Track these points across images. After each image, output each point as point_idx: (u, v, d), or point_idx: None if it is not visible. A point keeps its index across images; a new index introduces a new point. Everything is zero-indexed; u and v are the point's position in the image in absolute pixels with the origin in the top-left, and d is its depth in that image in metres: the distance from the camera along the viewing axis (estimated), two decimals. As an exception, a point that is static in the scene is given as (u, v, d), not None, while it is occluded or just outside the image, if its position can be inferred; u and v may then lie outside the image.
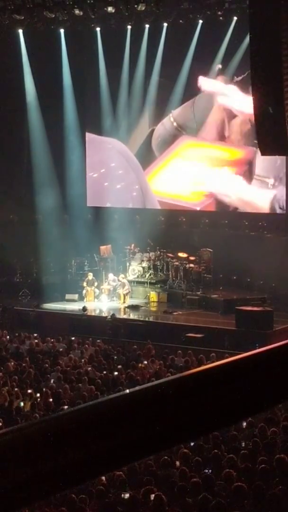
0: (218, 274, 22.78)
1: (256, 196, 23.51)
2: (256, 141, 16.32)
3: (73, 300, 22.38)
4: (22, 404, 13.12)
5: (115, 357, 16.40)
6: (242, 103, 22.40)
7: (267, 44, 14.30)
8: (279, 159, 22.32)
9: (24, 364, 15.65)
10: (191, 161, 24.75)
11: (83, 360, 16.09)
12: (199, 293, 21.88)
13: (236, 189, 23.73)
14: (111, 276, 22.82)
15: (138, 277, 23.32)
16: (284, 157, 21.12)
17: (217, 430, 8.46)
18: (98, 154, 26.57)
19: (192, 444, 9.89)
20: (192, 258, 22.85)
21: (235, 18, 22.54)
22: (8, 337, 18.52)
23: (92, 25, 24.45)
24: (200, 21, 23.29)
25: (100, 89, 25.97)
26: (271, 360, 1.28)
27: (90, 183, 26.87)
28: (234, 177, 23.85)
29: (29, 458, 1.13)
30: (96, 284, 22.64)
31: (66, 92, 26.07)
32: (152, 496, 8.05)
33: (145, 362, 15.72)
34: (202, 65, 23.98)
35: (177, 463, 9.48)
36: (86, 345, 17.51)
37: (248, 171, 23.86)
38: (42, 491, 1.16)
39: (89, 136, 26.62)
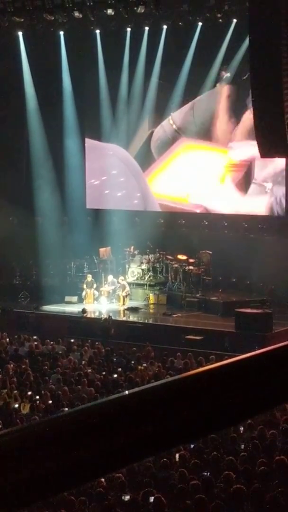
0: (218, 276, 22.77)
1: (252, 204, 23.61)
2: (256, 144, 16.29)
3: (72, 302, 22.36)
4: (17, 405, 13.12)
5: (115, 359, 16.40)
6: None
7: (266, 46, 14.34)
8: (278, 163, 22.29)
9: (23, 366, 15.65)
10: (190, 163, 24.74)
11: (83, 362, 16.09)
12: (198, 295, 21.86)
13: (231, 201, 23.86)
14: (110, 278, 22.79)
15: (137, 279, 23.29)
16: (282, 160, 21.10)
17: (215, 432, 8.46)
18: (99, 161, 26.47)
19: (191, 446, 9.90)
20: (191, 260, 22.84)
21: (234, 20, 22.51)
22: (7, 339, 18.51)
23: (92, 27, 24.45)
24: (200, 24, 23.22)
25: (99, 91, 25.93)
26: (269, 362, 1.28)
27: (91, 190, 26.79)
28: (230, 189, 23.89)
29: (27, 459, 1.13)
30: (95, 286, 22.61)
31: (65, 93, 26.05)
32: (152, 498, 8.05)
33: (145, 364, 15.71)
34: (202, 67, 23.97)
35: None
36: (86, 347, 17.51)
37: (246, 174, 23.87)
38: (40, 492, 1.16)
39: (89, 142, 26.55)
